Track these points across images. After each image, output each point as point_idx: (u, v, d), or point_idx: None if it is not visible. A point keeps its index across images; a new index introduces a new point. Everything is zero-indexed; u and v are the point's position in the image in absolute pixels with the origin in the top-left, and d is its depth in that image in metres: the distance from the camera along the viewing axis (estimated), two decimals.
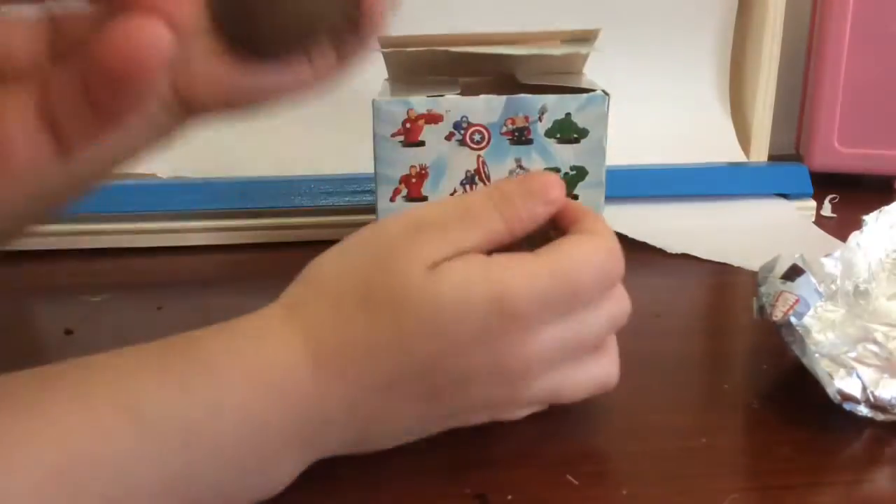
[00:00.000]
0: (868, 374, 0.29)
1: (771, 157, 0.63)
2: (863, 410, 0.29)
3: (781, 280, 0.33)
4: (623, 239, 0.49)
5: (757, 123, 0.62)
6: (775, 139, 0.63)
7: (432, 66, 0.45)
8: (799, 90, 0.66)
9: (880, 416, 0.29)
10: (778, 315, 0.32)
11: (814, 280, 0.32)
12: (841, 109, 0.60)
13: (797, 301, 0.32)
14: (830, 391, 0.29)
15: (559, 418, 0.31)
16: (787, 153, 0.68)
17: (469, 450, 0.28)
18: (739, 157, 0.62)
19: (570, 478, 0.27)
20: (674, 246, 0.49)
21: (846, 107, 0.60)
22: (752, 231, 0.51)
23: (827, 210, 0.56)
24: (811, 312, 0.32)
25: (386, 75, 0.48)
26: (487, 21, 0.60)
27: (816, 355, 0.30)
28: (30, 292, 0.46)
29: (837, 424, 0.30)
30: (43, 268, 0.48)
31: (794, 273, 0.33)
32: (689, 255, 0.48)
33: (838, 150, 0.61)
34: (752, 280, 0.44)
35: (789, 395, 0.32)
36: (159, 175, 0.55)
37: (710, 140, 0.63)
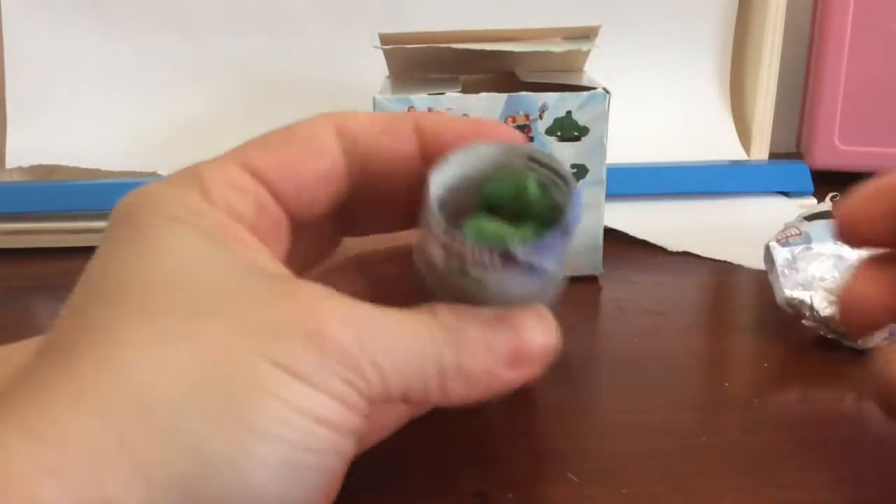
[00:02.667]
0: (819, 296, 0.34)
1: (772, 155, 0.63)
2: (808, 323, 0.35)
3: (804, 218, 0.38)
4: (623, 237, 0.49)
5: (758, 121, 0.62)
6: (776, 137, 0.63)
7: (433, 63, 0.45)
8: (800, 88, 0.66)
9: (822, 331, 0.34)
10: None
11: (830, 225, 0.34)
12: (842, 107, 0.60)
13: (798, 234, 0.37)
14: (779, 298, 0.35)
15: (559, 417, 0.31)
16: (788, 151, 0.68)
17: (469, 448, 0.28)
18: (740, 154, 0.62)
19: (570, 475, 0.27)
20: (674, 244, 0.48)
21: (847, 104, 0.60)
22: (753, 229, 0.51)
23: (828, 208, 0.56)
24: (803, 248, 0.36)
25: (386, 73, 0.48)
26: (488, 18, 0.60)
27: (785, 271, 0.35)
28: (30, 291, 0.46)
29: (840, 423, 0.30)
30: (43, 267, 0.48)
31: (817, 216, 0.38)
32: (690, 253, 0.47)
33: (839, 147, 0.61)
34: (753, 278, 0.44)
35: (790, 393, 0.32)
36: (160, 173, 0.55)
37: (711, 138, 0.63)
